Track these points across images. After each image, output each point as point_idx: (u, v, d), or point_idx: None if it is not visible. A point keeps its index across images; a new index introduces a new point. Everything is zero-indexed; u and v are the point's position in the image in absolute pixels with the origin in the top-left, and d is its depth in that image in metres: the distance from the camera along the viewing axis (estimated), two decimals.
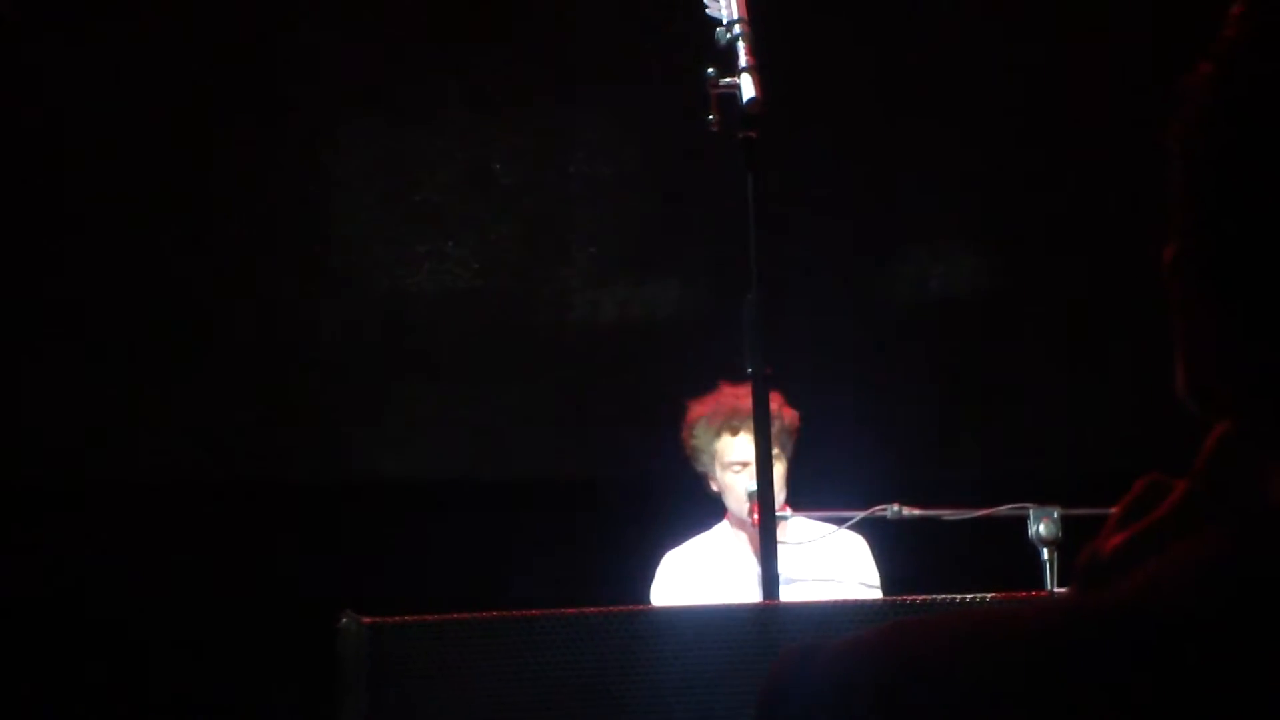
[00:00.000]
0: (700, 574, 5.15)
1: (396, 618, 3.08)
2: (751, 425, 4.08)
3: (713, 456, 5.12)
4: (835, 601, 4.09)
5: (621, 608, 3.14)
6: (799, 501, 5.14)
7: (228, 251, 6.69)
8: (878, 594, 5.07)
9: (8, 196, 6.53)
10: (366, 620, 3.06)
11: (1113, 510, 1.16)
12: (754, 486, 4.81)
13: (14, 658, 6.44)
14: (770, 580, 3.37)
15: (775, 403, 4.97)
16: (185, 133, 6.58)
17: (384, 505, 6.63)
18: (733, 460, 5.08)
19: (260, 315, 6.76)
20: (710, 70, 3.65)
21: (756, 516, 3.80)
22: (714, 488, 5.17)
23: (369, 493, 6.68)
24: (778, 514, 4.70)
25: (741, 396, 4.93)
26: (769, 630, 3.15)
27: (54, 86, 6.48)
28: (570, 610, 3.10)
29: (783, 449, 5.06)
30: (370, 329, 6.83)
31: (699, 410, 5.16)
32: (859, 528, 5.02)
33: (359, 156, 6.78)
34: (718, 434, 5.10)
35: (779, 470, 5.00)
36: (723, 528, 5.22)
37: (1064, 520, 4.51)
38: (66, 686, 6.48)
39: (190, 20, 6.49)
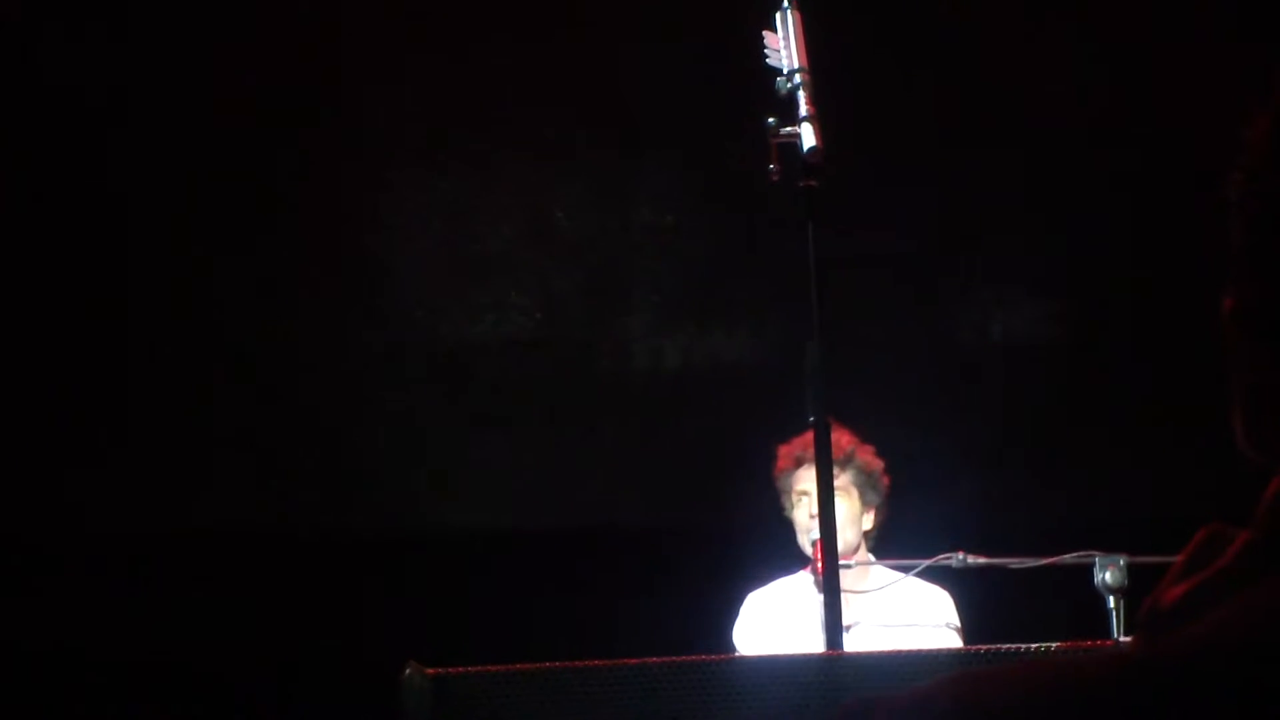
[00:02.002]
0: (778, 616, 5.15)
1: (461, 668, 3.08)
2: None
3: (788, 494, 5.14)
4: (902, 651, 4.07)
5: (684, 658, 3.13)
6: (888, 550, 5.14)
7: (290, 302, 6.73)
8: (958, 640, 5.04)
9: (75, 239, 6.58)
10: (430, 671, 3.06)
11: (1176, 559, 1.15)
12: (813, 518, 4.82)
13: (84, 709, 6.47)
14: (834, 627, 3.35)
15: (851, 445, 4.98)
16: (247, 184, 6.63)
17: (449, 555, 6.63)
18: (798, 491, 5.09)
19: (322, 364, 6.79)
20: (771, 120, 3.65)
21: (820, 564, 3.79)
22: (797, 535, 5.19)
23: (434, 543, 6.69)
24: (843, 563, 4.69)
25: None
26: (834, 680, 3.13)
27: (115, 138, 6.54)
28: (633, 661, 3.09)
29: (861, 493, 5.07)
30: (433, 379, 6.85)
31: (783, 452, 5.19)
32: (938, 576, 5.00)
33: (421, 207, 6.81)
34: (793, 471, 5.12)
35: (850, 512, 5.00)
36: (804, 573, 5.23)
37: (1130, 568, 4.48)
38: None
39: (253, 69, 6.54)
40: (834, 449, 3.66)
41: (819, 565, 3.90)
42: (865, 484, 5.08)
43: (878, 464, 5.13)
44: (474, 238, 6.84)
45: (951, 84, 6.63)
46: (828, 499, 3.51)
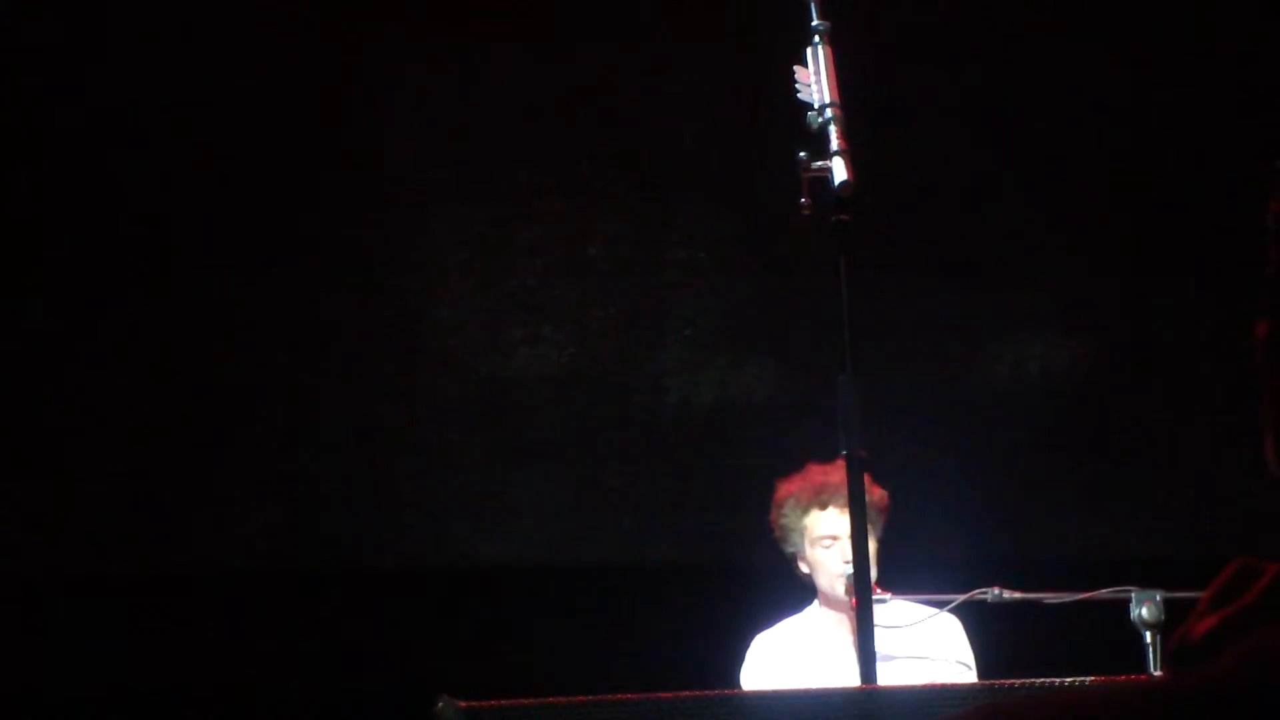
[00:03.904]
0: (792, 657, 5.11)
1: (492, 701, 3.08)
2: (840, 500, 4.07)
3: (802, 534, 5.08)
4: (932, 685, 4.06)
5: (714, 692, 3.13)
6: (897, 582, 5.11)
7: (324, 336, 6.75)
8: (973, 675, 5.01)
9: (124, 279, 6.62)
10: (463, 704, 3.06)
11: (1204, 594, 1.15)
12: (847, 564, 4.80)
13: None
14: (868, 662, 3.34)
15: (866, 481, 4.95)
16: (282, 220, 6.66)
17: (480, 590, 6.64)
18: (822, 535, 5.04)
19: (358, 399, 6.81)
20: (802, 154, 3.66)
21: (855, 598, 3.78)
22: (804, 568, 5.14)
23: (466, 578, 6.70)
24: (875, 597, 4.67)
25: (830, 472, 4.91)
26: (867, 715, 3.13)
27: (151, 174, 6.58)
28: (665, 695, 3.09)
29: (873, 528, 5.03)
30: (467, 413, 6.86)
31: (787, 488, 5.14)
32: (961, 612, 4.98)
33: (456, 242, 6.83)
34: (806, 510, 5.07)
35: (873, 548, 4.97)
36: (813, 609, 5.19)
37: (1167, 604, 4.46)
38: None
39: (290, 104, 6.57)
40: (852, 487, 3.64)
41: (854, 601, 3.89)
42: (877, 520, 5.05)
43: (885, 499, 5.09)
44: (508, 273, 6.85)
45: (984, 123, 6.63)
46: (861, 533, 3.50)
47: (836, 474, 3.47)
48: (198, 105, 6.53)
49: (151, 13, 6.49)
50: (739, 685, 5.09)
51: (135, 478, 6.69)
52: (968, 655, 5.09)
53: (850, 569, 4.42)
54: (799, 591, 5.25)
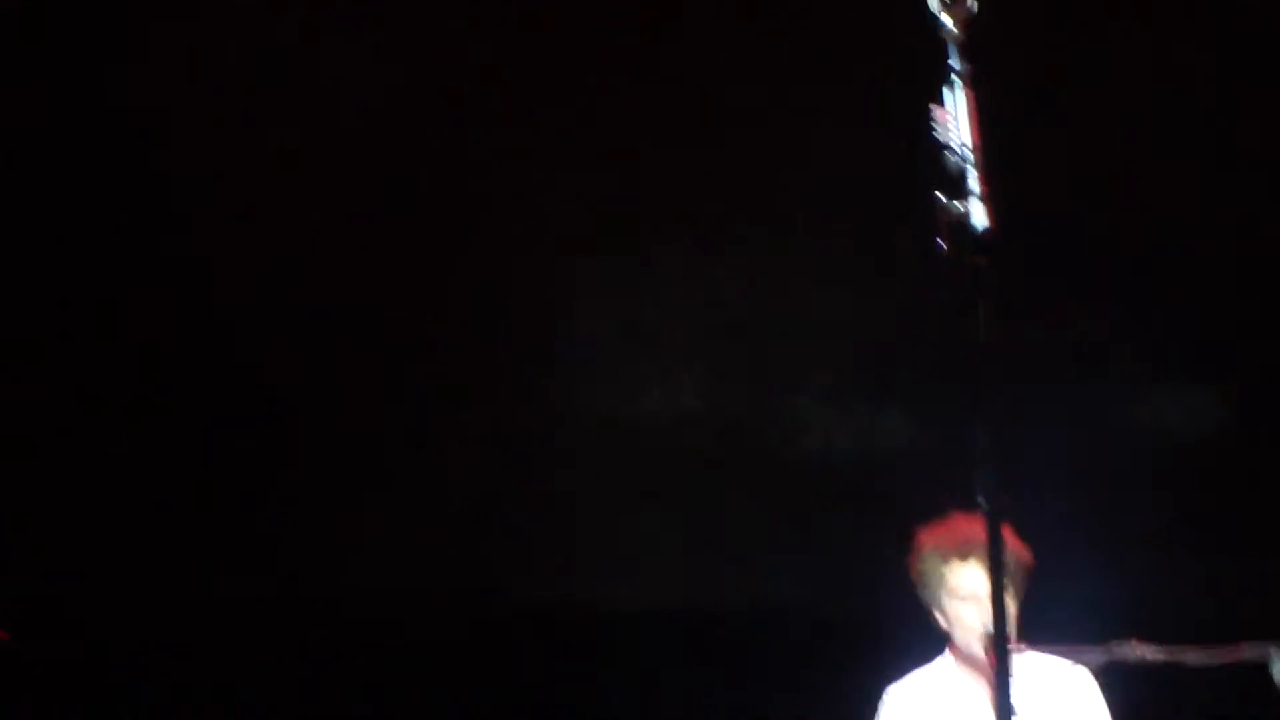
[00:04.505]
0: (926, 709, 5.02)
1: None
2: (982, 554, 3.98)
3: (940, 584, 4.99)
4: None
5: None
6: (1033, 630, 5.02)
7: (455, 379, 6.77)
8: None
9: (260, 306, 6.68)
10: None
11: None
12: (988, 622, 4.70)
13: None
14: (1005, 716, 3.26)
15: (1008, 537, 4.85)
16: (416, 262, 6.69)
17: (606, 631, 6.61)
18: (964, 591, 4.94)
19: (491, 440, 6.82)
20: (940, 196, 3.60)
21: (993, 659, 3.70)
22: (939, 619, 5.04)
23: (593, 618, 6.68)
24: (1014, 647, 4.58)
25: (974, 524, 4.81)
26: None
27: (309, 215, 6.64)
28: None
29: (1015, 584, 4.93)
30: (598, 453, 6.85)
31: (928, 537, 5.04)
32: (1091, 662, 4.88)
33: (591, 286, 6.83)
34: (946, 560, 4.97)
35: (1010, 607, 4.87)
36: (944, 660, 5.09)
37: None
38: None
39: (424, 148, 6.61)
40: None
41: (992, 662, 3.80)
42: (1018, 573, 4.95)
43: (1030, 556, 4.99)
44: (642, 315, 6.84)
45: (1135, 164, 6.55)
46: (999, 587, 3.42)
47: (981, 527, 3.39)
48: (341, 154, 6.59)
49: None
50: None
51: (271, 511, 6.74)
52: (1102, 710, 4.99)
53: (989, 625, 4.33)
54: (926, 640, 5.16)
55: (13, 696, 6.48)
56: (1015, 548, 4.95)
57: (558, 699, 6.28)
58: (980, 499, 3.39)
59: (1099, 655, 4.68)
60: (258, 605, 6.70)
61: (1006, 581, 4.80)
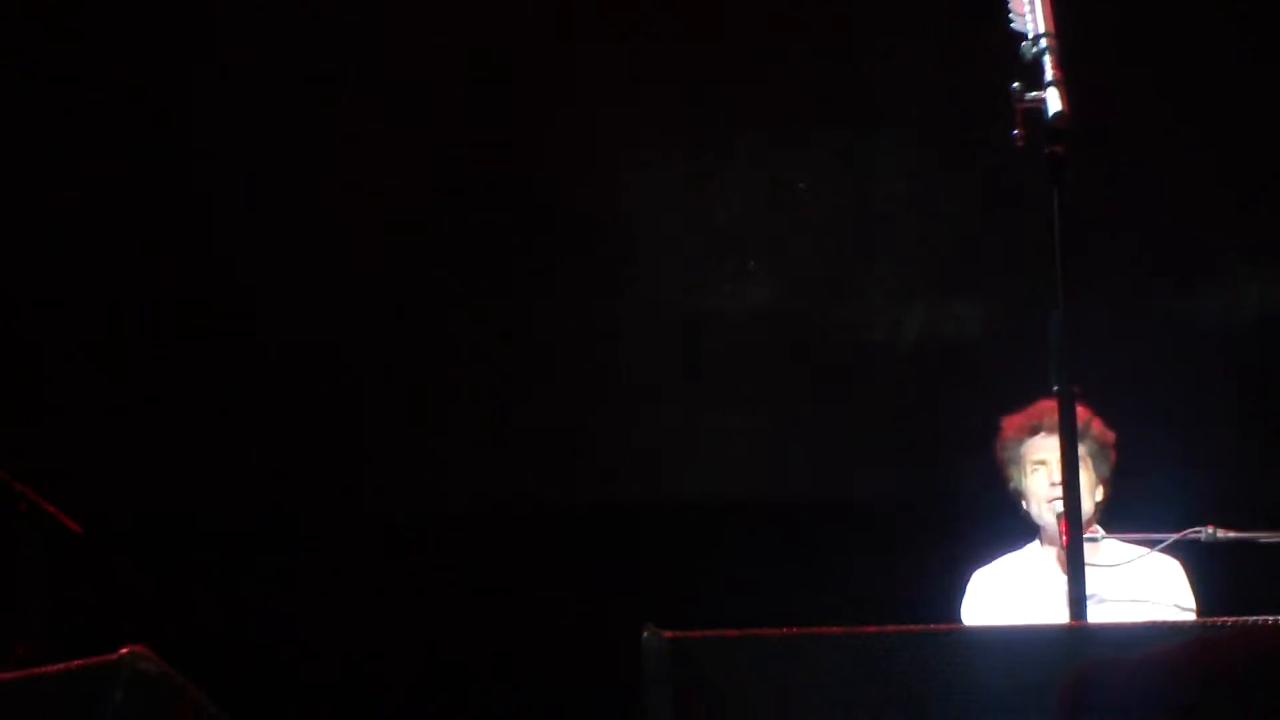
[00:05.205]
0: (1009, 592, 5.08)
1: (698, 632, 3.10)
2: (1053, 426, 4.02)
3: (1019, 464, 5.05)
4: (1145, 623, 4.00)
5: (920, 627, 3.11)
6: (1113, 520, 5.05)
7: (525, 277, 6.81)
8: (1192, 617, 4.94)
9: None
10: (668, 634, 3.08)
11: None
12: (1055, 485, 4.75)
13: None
14: (1079, 600, 3.31)
15: (1087, 416, 4.89)
16: (493, 159, 6.72)
17: (687, 524, 6.67)
18: (1033, 458, 5.00)
19: (562, 338, 6.86)
20: (1015, 85, 3.60)
21: (1065, 537, 3.74)
22: (1025, 505, 5.10)
23: (672, 512, 6.74)
24: (1086, 536, 4.61)
25: (1052, 405, 4.84)
26: (1078, 652, 3.09)
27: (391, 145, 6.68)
28: (871, 629, 3.07)
29: (1095, 464, 4.98)
30: (672, 350, 6.88)
31: (1009, 423, 5.11)
32: (1173, 550, 4.91)
33: (662, 179, 6.84)
34: (1021, 439, 5.04)
35: (1087, 483, 4.91)
36: (1033, 547, 5.15)
37: None
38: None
39: (496, 46, 6.63)
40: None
41: (1063, 536, 3.84)
42: (1099, 455, 5.00)
43: (1110, 435, 5.03)
44: (713, 210, 6.85)
45: (1202, 47, 6.49)
46: (1072, 472, 3.46)
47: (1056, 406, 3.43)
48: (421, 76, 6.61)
49: None
50: (958, 619, 5.08)
51: (356, 426, 6.84)
52: (1188, 598, 5.02)
53: (1059, 492, 4.38)
54: (1011, 530, 5.20)
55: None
56: (1096, 429, 4.99)
57: (638, 592, 6.35)
58: (1054, 383, 3.44)
59: (1173, 539, 4.71)
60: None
61: (1084, 456, 4.86)
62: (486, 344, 6.85)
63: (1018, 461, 5.07)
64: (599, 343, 6.88)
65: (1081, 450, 4.90)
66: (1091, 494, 4.99)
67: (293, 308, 6.75)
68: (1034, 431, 5.01)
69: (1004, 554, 5.19)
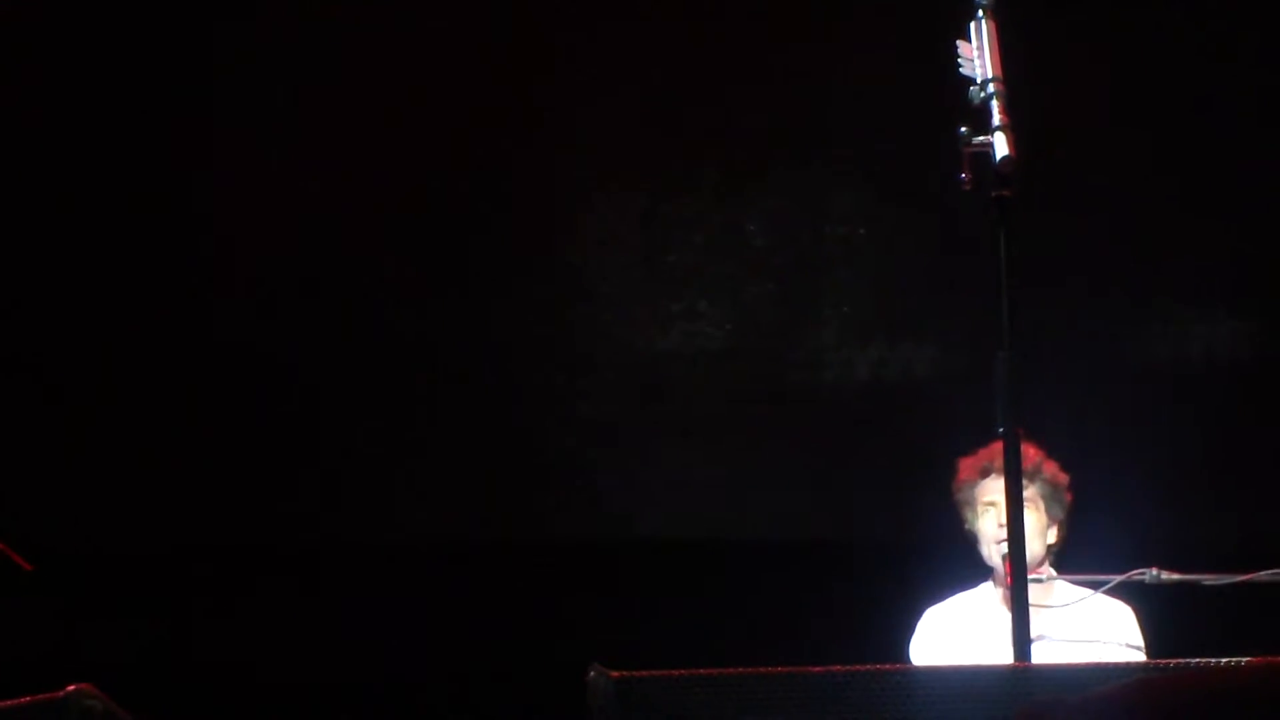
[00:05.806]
0: (958, 631, 5.10)
1: (645, 672, 3.11)
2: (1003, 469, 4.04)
3: (970, 504, 5.08)
4: (1089, 664, 4.03)
5: (869, 666, 3.12)
6: (1063, 565, 5.08)
7: (478, 312, 6.81)
8: (1143, 658, 4.96)
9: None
10: (615, 674, 3.09)
11: None
12: (1002, 527, 4.77)
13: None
14: (1022, 640, 3.33)
15: (1038, 458, 4.92)
16: (444, 200, 6.74)
17: (637, 563, 6.67)
18: (983, 500, 5.03)
19: (517, 375, 6.86)
20: (963, 129, 3.63)
21: (1010, 578, 3.77)
22: (978, 546, 5.12)
23: (623, 551, 6.74)
24: (1034, 577, 4.63)
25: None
26: (1022, 692, 3.11)
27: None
28: (817, 669, 3.09)
29: (1046, 506, 5.01)
30: (624, 389, 6.89)
31: (965, 464, 5.13)
32: (1123, 594, 4.94)
33: (614, 219, 6.86)
34: (974, 481, 5.06)
35: (1037, 525, 4.93)
36: (986, 587, 5.17)
37: None
38: None
39: (452, 91, 6.65)
40: (1022, 460, 3.63)
41: (1008, 577, 3.87)
42: (1051, 497, 5.03)
43: (1064, 478, 5.06)
44: (665, 249, 6.87)
45: (1148, 96, 6.55)
46: (1017, 511, 3.48)
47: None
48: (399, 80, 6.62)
49: None
50: (907, 658, 5.09)
51: (295, 457, 6.82)
52: (1137, 638, 5.04)
53: (1004, 533, 4.41)
54: (968, 569, 5.22)
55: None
56: (1049, 471, 5.02)
57: (587, 630, 6.34)
58: (999, 425, 3.46)
59: (1118, 581, 4.73)
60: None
61: (1035, 498, 4.89)
62: (441, 381, 6.85)
63: (971, 503, 5.08)
64: (554, 380, 6.88)
65: (1032, 492, 4.94)
66: (1042, 536, 5.01)
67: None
68: (985, 473, 5.03)
69: (958, 592, 5.21)
